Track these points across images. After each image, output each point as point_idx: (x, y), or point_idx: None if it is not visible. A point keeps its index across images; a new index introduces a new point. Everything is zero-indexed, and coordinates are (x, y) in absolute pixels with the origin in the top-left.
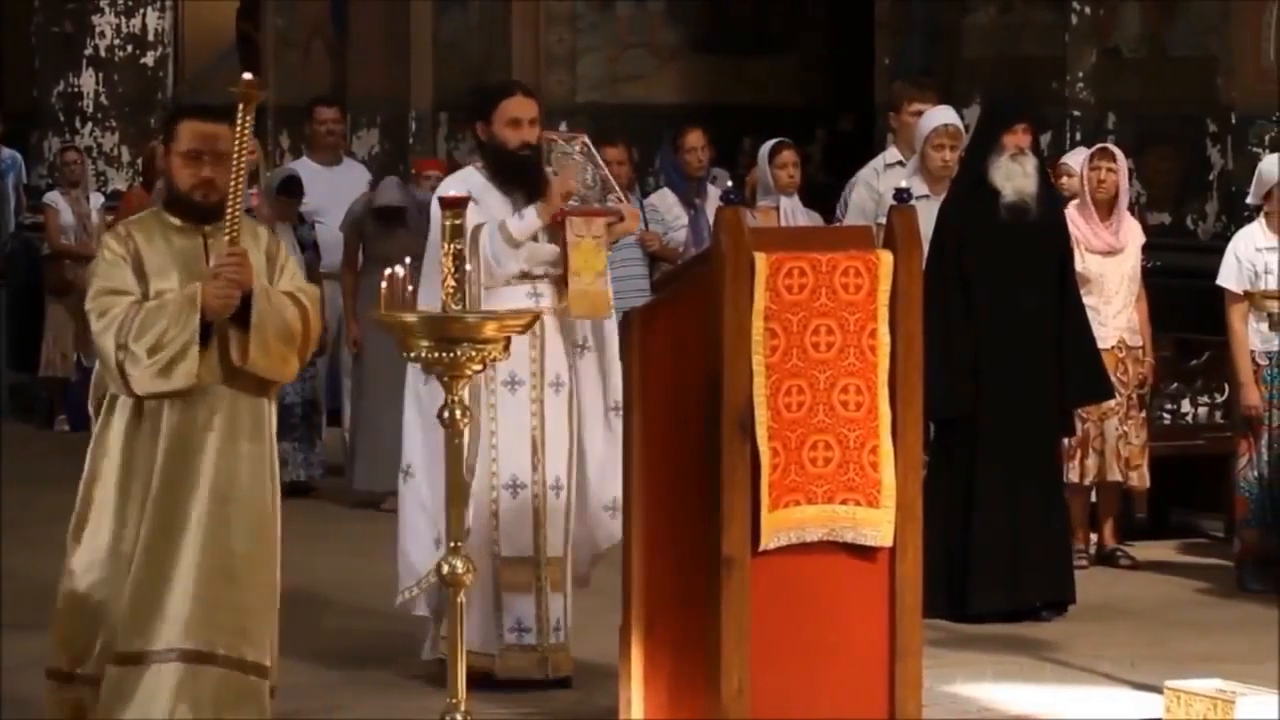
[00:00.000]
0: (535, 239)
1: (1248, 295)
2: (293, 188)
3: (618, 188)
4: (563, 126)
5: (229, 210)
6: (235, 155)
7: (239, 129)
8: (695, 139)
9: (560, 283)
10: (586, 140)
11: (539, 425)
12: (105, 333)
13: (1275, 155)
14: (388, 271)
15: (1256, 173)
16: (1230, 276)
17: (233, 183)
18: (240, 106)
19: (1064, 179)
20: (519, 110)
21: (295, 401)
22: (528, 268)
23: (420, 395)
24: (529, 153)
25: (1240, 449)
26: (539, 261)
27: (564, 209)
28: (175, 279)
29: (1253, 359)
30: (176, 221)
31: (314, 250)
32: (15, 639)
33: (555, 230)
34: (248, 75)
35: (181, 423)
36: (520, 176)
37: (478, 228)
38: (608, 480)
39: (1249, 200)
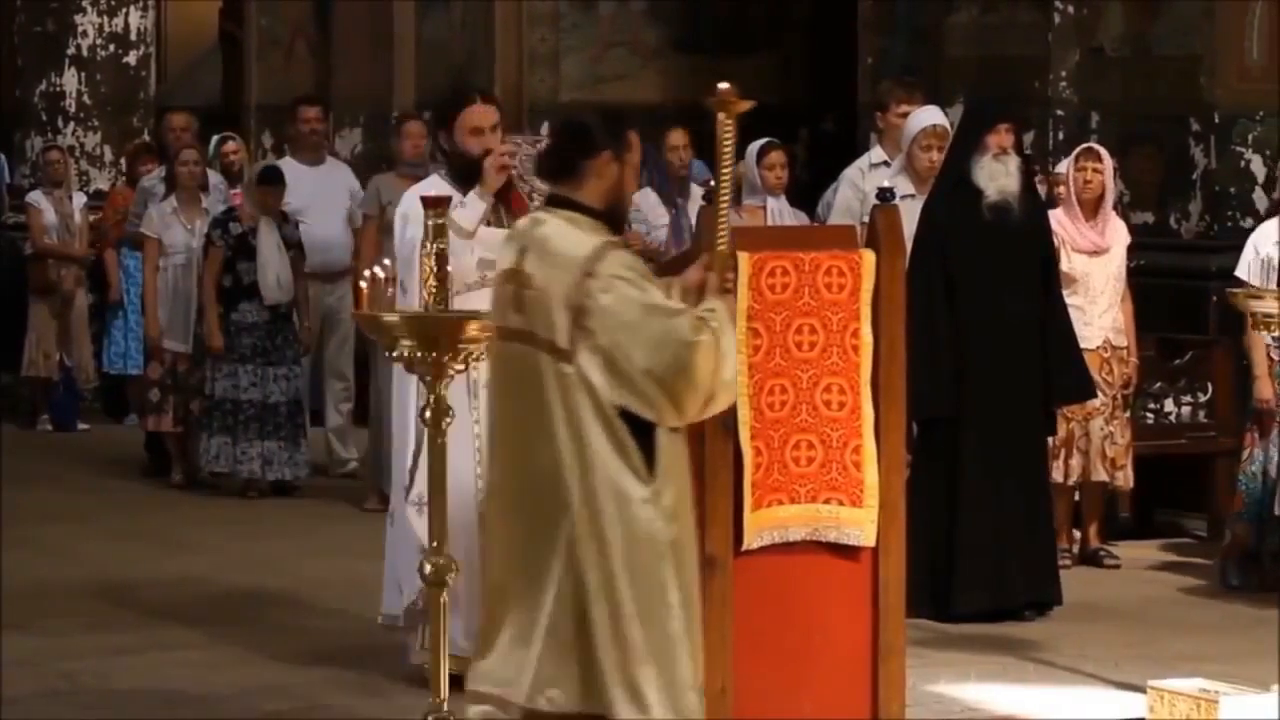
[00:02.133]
0: (489, 224)
1: (1231, 296)
2: (271, 176)
3: None
4: (545, 127)
5: (719, 222)
6: (719, 167)
7: (720, 140)
8: (677, 138)
9: None
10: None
11: None
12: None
13: None
14: (367, 272)
15: None
16: (1248, 269)
17: (720, 195)
18: (719, 116)
19: (1059, 188)
20: (480, 119)
21: (280, 401)
22: (491, 255)
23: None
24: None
25: (1245, 442)
26: (494, 245)
27: (518, 192)
28: None
29: (1268, 353)
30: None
31: (299, 250)
32: (12, 639)
33: (505, 213)
34: (724, 85)
35: None
36: None
37: None
38: None
39: (1275, 195)
